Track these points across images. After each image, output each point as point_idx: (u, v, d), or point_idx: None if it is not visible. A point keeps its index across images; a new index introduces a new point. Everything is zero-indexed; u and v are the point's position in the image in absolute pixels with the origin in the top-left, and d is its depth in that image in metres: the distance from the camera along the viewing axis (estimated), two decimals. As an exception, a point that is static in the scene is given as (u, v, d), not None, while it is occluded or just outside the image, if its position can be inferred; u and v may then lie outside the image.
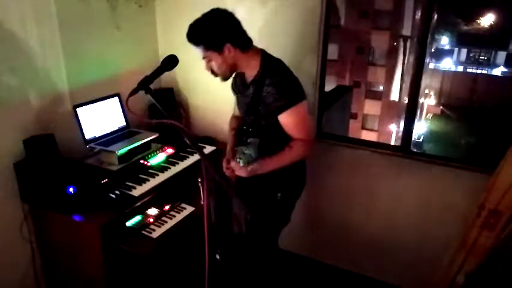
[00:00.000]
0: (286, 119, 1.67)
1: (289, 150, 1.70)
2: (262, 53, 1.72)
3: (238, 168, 1.72)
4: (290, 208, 1.93)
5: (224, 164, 1.83)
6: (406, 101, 2.37)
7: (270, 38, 1.85)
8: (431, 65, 19.45)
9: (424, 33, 2.19)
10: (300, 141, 1.70)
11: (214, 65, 1.67)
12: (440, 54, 20.82)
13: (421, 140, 17.31)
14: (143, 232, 1.94)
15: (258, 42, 1.75)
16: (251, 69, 1.71)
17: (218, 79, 1.75)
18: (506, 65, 19.83)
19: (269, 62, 1.71)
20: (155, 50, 2.77)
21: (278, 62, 1.73)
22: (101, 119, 2.21)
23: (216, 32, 1.61)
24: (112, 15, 2.38)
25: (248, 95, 1.75)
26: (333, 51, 15.40)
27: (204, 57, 1.68)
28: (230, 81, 1.88)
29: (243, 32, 1.67)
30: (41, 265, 2.18)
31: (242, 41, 1.67)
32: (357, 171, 2.51)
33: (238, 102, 1.89)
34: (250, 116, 1.77)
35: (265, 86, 1.65)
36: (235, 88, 1.90)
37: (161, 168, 2.23)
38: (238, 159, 1.72)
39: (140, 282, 2.10)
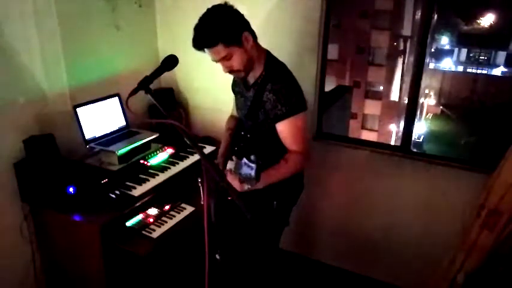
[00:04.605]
0: (282, 128, 1.62)
1: (285, 164, 1.62)
2: (267, 54, 1.67)
3: (234, 182, 1.55)
4: (287, 214, 1.90)
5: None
6: (406, 101, 2.37)
7: (269, 38, 1.84)
8: (431, 65, 19.43)
9: (424, 33, 2.19)
10: (295, 154, 1.63)
11: (235, 61, 1.56)
12: (440, 54, 20.80)
13: (421, 140, 17.29)
14: (143, 232, 1.94)
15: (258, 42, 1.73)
16: (255, 69, 1.65)
17: (218, 79, 1.72)
18: (506, 65, 19.79)
19: (273, 66, 1.65)
20: (155, 50, 2.77)
21: (282, 66, 1.68)
22: (101, 119, 2.21)
23: (231, 23, 1.51)
24: (112, 15, 2.38)
25: (248, 98, 1.71)
26: (333, 51, 15.41)
27: (223, 58, 1.55)
28: (230, 81, 1.87)
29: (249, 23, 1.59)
30: (41, 265, 2.18)
31: (252, 30, 1.59)
32: (356, 171, 2.51)
33: (237, 104, 1.85)
34: (249, 121, 1.72)
35: (266, 92, 1.61)
36: (235, 88, 1.86)
37: (161, 168, 2.23)
38: (234, 170, 1.55)
39: (140, 282, 2.10)
